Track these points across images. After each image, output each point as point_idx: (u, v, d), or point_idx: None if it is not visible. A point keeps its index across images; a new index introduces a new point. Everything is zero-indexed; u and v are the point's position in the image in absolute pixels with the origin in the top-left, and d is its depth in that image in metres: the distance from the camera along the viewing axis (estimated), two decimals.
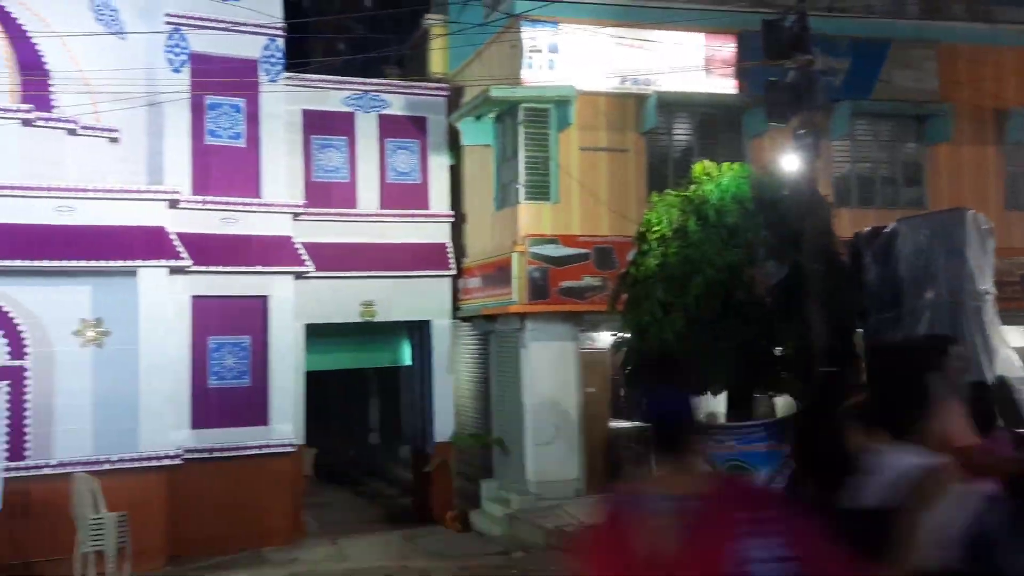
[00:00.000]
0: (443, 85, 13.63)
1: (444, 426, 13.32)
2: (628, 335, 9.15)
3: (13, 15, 10.92)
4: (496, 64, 12.28)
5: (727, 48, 12.19)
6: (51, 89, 10.96)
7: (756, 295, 8.45)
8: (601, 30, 11.54)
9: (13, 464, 10.06)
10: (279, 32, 12.15)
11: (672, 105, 12.10)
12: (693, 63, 11.89)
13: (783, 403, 11.13)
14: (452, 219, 13.55)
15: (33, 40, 10.93)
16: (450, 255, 13.38)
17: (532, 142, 11.61)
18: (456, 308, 13.47)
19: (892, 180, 13.20)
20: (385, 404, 18.40)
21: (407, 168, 13.41)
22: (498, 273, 12.14)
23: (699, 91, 12.12)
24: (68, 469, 10.11)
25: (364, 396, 19.19)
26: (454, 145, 13.47)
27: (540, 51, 11.59)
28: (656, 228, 8.98)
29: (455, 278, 13.46)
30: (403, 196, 13.30)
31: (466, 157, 13.56)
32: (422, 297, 13.26)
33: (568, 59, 11.72)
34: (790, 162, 9.00)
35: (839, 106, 12.01)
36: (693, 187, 9.16)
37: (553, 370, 11.74)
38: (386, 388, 17.75)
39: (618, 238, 11.54)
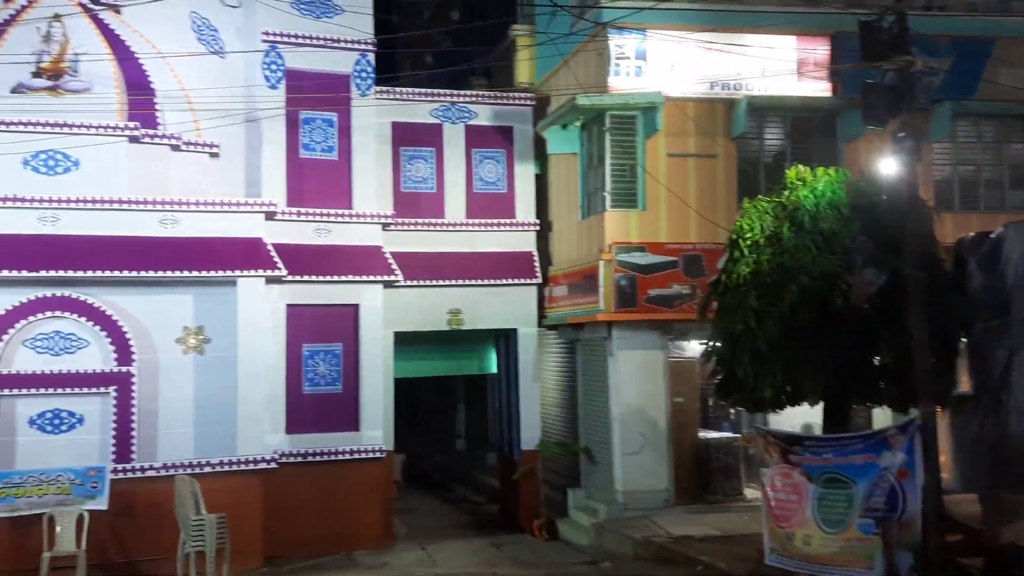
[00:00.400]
0: (529, 95, 13.70)
1: (531, 434, 13.34)
2: (719, 344, 8.99)
3: (122, 37, 11.48)
4: (582, 72, 12.28)
5: (820, 50, 11.91)
6: (156, 107, 11.45)
7: (854, 303, 8.19)
8: (689, 35, 11.42)
9: (120, 466, 10.52)
10: (370, 47, 12.44)
11: (763, 109, 11.88)
12: (785, 66, 11.65)
13: (882, 414, 10.78)
14: (538, 228, 13.59)
15: (140, 61, 11.45)
16: (536, 264, 13.42)
17: (619, 149, 11.56)
18: (542, 316, 13.49)
19: (997, 183, 12.65)
20: (471, 411, 18.55)
21: (493, 177, 13.52)
22: (584, 281, 12.11)
23: (791, 94, 11.87)
24: (171, 471, 10.51)
25: (451, 403, 19.38)
26: (540, 154, 13.52)
27: (627, 58, 11.55)
28: (748, 235, 8.81)
29: (541, 286, 13.49)
30: (489, 205, 13.42)
31: (552, 166, 13.59)
32: (508, 305, 13.33)
33: (656, 65, 11.64)
34: (888, 166, 8.71)
35: (940, 107, 11.59)
36: (787, 193, 8.96)
37: (641, 379, 11.63)
38: (472, 396, 17.90)
39: (707, 245, 11.39)
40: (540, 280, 13.42)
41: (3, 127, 10.60)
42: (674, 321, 11.55)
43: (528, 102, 13.60)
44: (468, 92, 13.74)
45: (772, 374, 8.38)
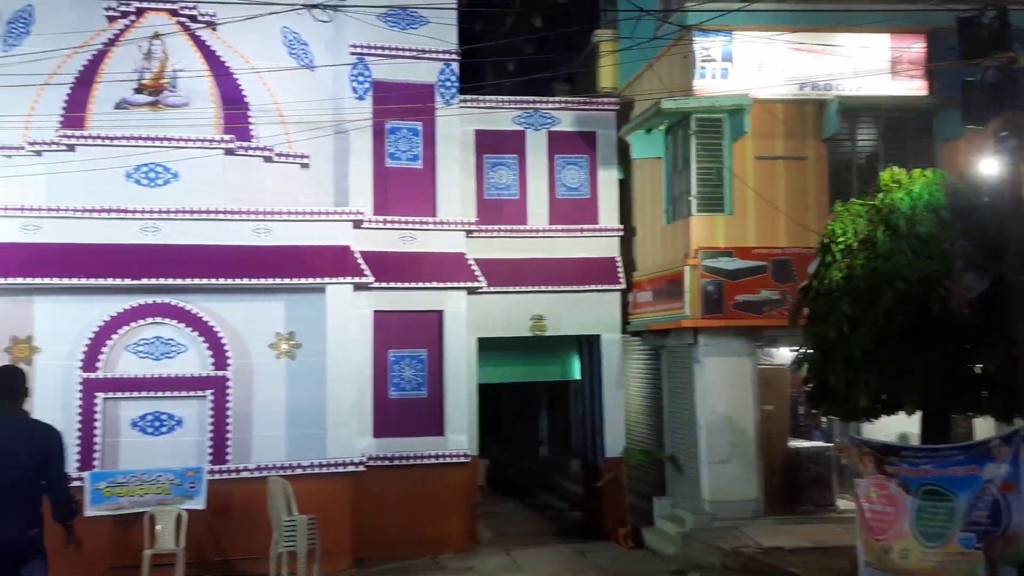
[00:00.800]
0: (613, 99, 13.65)
1: (615, 441, 13.25)
2: (810, 351, 8.77)
3: (218, 53, 11.91)
4: (667, 76, 12.17)
5: (916, 48, 11.52)
6: (250, 120, 11.83)
7: (953, 309, 7.88)
8: (778, 36, 11.19)
9: (216, 467, 10.88)
10: (454, 57, 12.60)
11: (855, 110, 11.55)
12: (878, 65, 11.31)
13: (983, 424, 10.33)
14: (622, 233, 13.50)
15: (234, 76, 11.86)
16: (620, 269, 13.34)
17: (705, 153, 11.41)
18: (626, 322, 13.40)
19: None
20: (554, 417, 18.55)
21: (576, 183, 13.51)
22: (669, 287, 11.98)
23: (885, 94, 11.50)
24: (264, 473, 10.81)
25: (534, 409, 19.41)
26: (624, 159, 13.44)
27: (713, 60, 11.39)
28: (841, 239, 8.57)
29: (625, 292, 13.40)
30: (572, 211, 13.41)
31: (636, 171, 13.49)
32: (592, 311, 13.29)
33: (742, 67, 11.45)
34: (989, 166, 8.36)
35: None
36: (881, 195, 8.68)
37: (728, 386, 11.43)
38: (555, 402, 17.90)
39: (797, 249, 11.13)
40: (624, 286, 13.33)
41: (108, 142, 11.11)
42: (763, 327, 11.32)
43: (611, 107, 13.55)
44: (551, 99, 13.76)
45: (866, 382, 8.13)
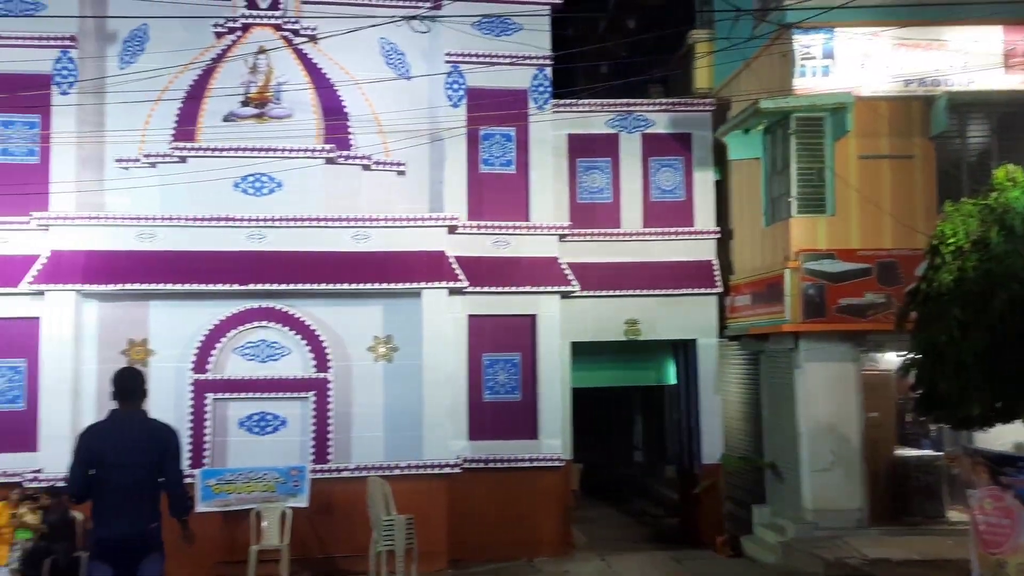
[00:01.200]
0: (708, 100, 13.44)
1: (712, 447, 13.03)
2: (919, 356, 8.44)
3: (319, 66, 12.28)
4: (765, 75, 11.92)
5: None
6: (349, 130, 12.15)
7: None
8: (882, 31, 10.82)
9: (318, 466, 11.20)
10: (547, 62, 12.64)
11: (966, 106, 11.06)
12: (990, 59, 10.81)
13: None
14: (718, 236, 13.28)
15: (334, 87, 12.21)
16: (716, 272, 13.13)
17: (805, 153, 11.11)
18: (723, 327, 13.17)
19: None
20: (649, 423, 18.36)
21: (671, 186, 13.36)
22: (769, 290, 11.72)
23: (998, 89, 10.97)
24: (363, 473, 11.07)
25: (628, 414, 19.26)
26: (720, 160, 13.22)
27: (813, 58, 11.09)
28: (951, 240, 8.21)
29: (722, 296, 13.17)
30: (667, 214, 13.26)
31: (733, 172, 13.25)
32: (687, 315, 13.11)
33: (844, 64, 11.10)
34: None
35: None
36: (995, 194, 8.28)
37: (830, 392, 11.11)
38: (650, 407, 17.72)
39: (904, 251, 10.73)
40: (721, 289, 13.11)
41: (217, 153, 11.59)
42: (867, 332, 10.96)
43: (707, 108, 13.34)
44: (644, 100, 13.64)
45: (979, 389, 7.77)
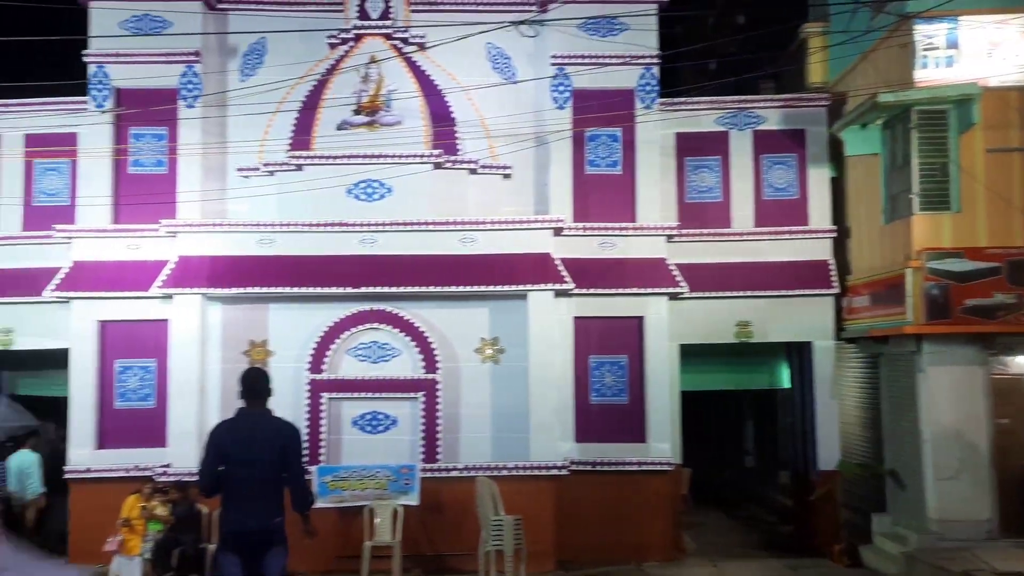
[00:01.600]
0: (823, 95, 12.99)
1: (828, 453, 12.59)
2: None
3: (427, 72, 12.53)
4: (883, 67, 11.44)
5: None
6: (456, 135, 12.35)
7: None
8: (1011, 19, 10.21)
9: (427, 465, 11.41)
10: (654, 61, 12.48)
11: None
12: None
13: None
14: (834, 235, 12.82)
15: (442, 93, 12.43)
16: (832, 273, 12.67)
17: (928, 147, 10.59)
18: (840, 329, 12.70)
19: None
20: (761, 427, 17.90)
21: (784, 183, 12.98)
22: (889, 291, 11.24)
23: None
24: (471, 473, 11.21)
25: (739, 418, 18.84)
26: (835, 156, 12.76)
27: (936, 48, 10.56)
28: None
29: (838, 297, 12.70)
30: (780, 213, 12.89)
31: (849, 168, 12.77)
32: (801, 317, 12.70)
33: (970, 54, 10.52)
34: None
35: None
36: None
37: (956, 397, 10.56)
38: (762, 411, 17.28)
39: None
40: (837, 290, 12.64)
41: (330, 161, 11.97)
42: (997, 334, 10.38)
43: (822, 103, 12.89)
44: (755, 97, 13.30)
45: None
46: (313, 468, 11.11)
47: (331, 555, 10.87)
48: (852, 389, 12.98)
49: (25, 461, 12.65)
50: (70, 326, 12.06)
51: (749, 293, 12.66)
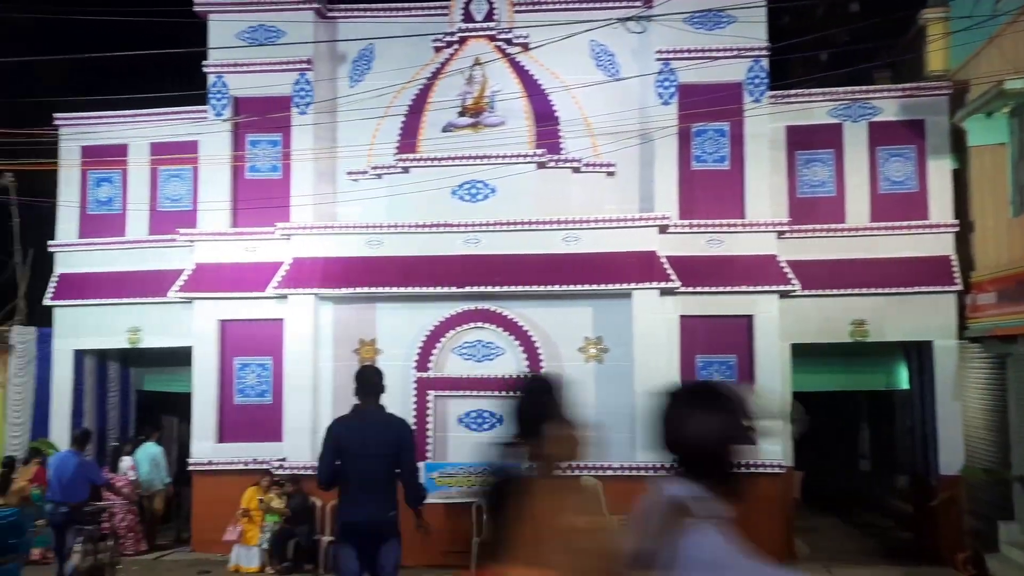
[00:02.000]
0: (944, 83, 12.37)
1: (950, 457, 12.00)
2: None
3: (531, 72, 12.58)
4: (1010, 53, 10.80)
5: None
6: (559, 134, 12.34)
7: None
8: None
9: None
10: (763, 53, 12.16)
11: None
12: None
13: None
14: (956, 229, 12.20)
15: (545, 92, 12.45)
16: (955, 269, 12.07)
17: None
18: (963, 327, 12.08)
19: None
20: (877, 429, 17.23)
21: (902, 176, 12.43)
22: (1017, 287, 10.62)
23: None
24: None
25: (853, 420, 18.18)
26: (957, 147, 12.15)
27: None
28: None
29: (961, 294, 12.09)
30: (897, 207, 12.35)
31: (973, 159, 12.12)
32: (921, 315, 12.14)
33: None
34: None
35: None
36: None
37: None
38: (878, 413, 16.63)
39: None
40: (960, 287, 12.04)
41: (436, 163, 12.17)
42: None
43: (943, 91, 12.28)
44: (871, 87, 12.78)
45: None
46: (421, 464, 11.25)
47: (439, 550, 11.03)
48: (976, 391, 12.33)
49: (152, 452, 13.39)
50: (193, 325, 12.66)
51: (865, 291, 12.19)
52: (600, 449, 11.24)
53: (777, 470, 11.63)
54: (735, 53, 12.12)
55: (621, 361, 11.67)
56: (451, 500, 11.23)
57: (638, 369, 11.49)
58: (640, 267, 11.62)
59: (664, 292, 11.66)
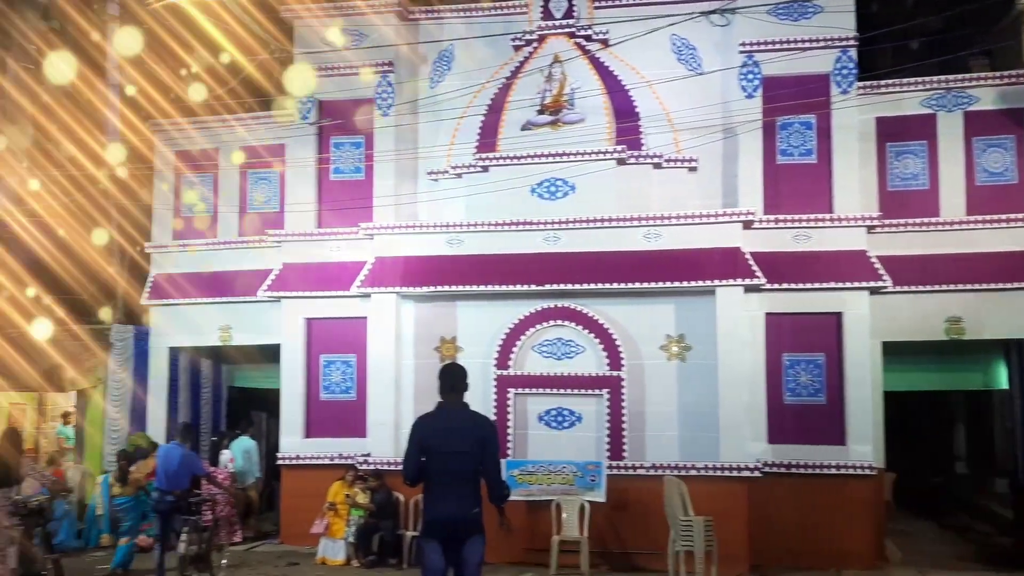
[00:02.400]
0: None
1: None
2: None
3: (610, 68, 12.50)
4: None
5: None
6: (640, 129, 12.22)
7: None
8: None
9: (613, 463, 11.38)
10: (851, 43, 11.79)
11: None
12: None
13: None
14: None
15: (625, 88, 12.35)
16: None
17: None
18: None
19: None
20: (974, 430, 16.57)
21: (1000, 167, 11.91)
22: None
23: None
24: (658, 472, 11.06)
25: (948, 421, 17.52)
26: None
27: None
28: None
29: None
30: (996, 199, 11.84)
31: None
32: (1021, 312, 11.63)
33: None
34: None
35: None
36: None
37: None
38: (975, 413, 16.00)
39: None
40: None
41: (515, 161, 12.19)
42: None
43: None
44: (968, 76, 12.24)
45: None
46: (502, 461, 11.34)
47: (520, 547, 11.08)
48: None
49: (247, 446, 13.77)
50: (281, 323, 13.00)
51: (961, 287, 11.74)
52: (685, 449, 11.22)
53: (867, 472, 11.31)
54: (822, 44, 11.79)
55: (705, 359, 11.48)
56: (532, 498, 11.25)
57: (722, 368, 11.28)
58: (724, 263, 11.41)
59: (749, 289, 11.43)
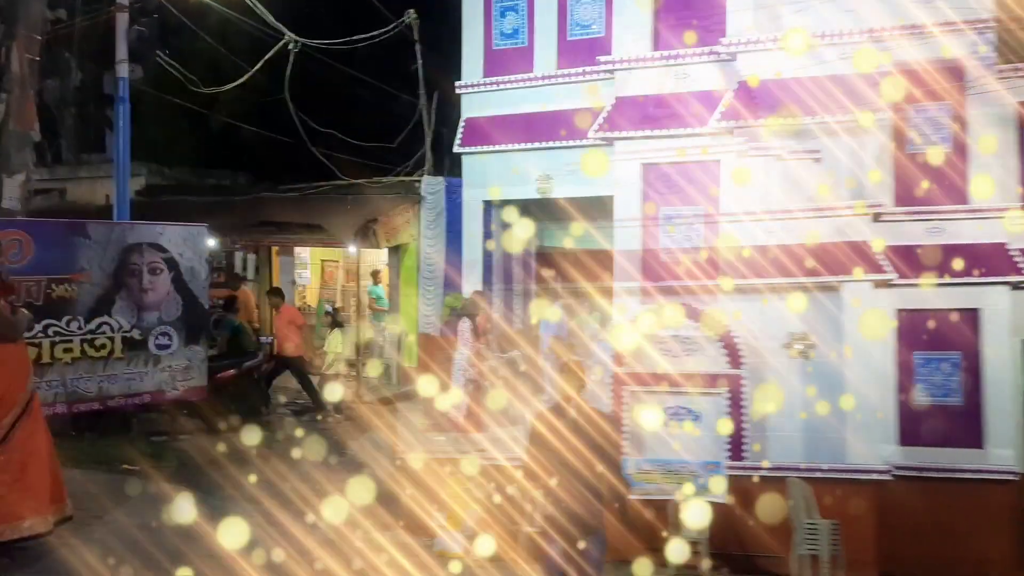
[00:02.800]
0: None
1: None
2: None
3: None
4: None
5: None
6: None
7: None
8: None
9: (733, 463, 11.15)
10: (990, 24, 11.07)
11: None
12: None
13: None
14: None
15: None
16: None
17: None
18: None
19: None
20: None
21: None
22: None
23: None
24: (780, 473, 10.77)
25: None
26: None
27: None
28: None
29: None
30: None
31: None
32: None
33: None
34: None
35: None
36: None
37: None
38: None
39: None
40: None
41: None
42: None
43: None
44: None
45: None
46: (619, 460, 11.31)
47: (639, 546, 10.99)
48: None
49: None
50: (612, 171, 11.29)
51: None
52: (809, 450, 10.89)
53: (1009, 477, 10.70)
54: (956, 27, 11.15)
55: (830, 357, 11.10)
56: (648, 497, 11.16)
57: (849, 366, 10.89)
58: (850, 258, 10.99)
59: (878, 284, 10.98)
